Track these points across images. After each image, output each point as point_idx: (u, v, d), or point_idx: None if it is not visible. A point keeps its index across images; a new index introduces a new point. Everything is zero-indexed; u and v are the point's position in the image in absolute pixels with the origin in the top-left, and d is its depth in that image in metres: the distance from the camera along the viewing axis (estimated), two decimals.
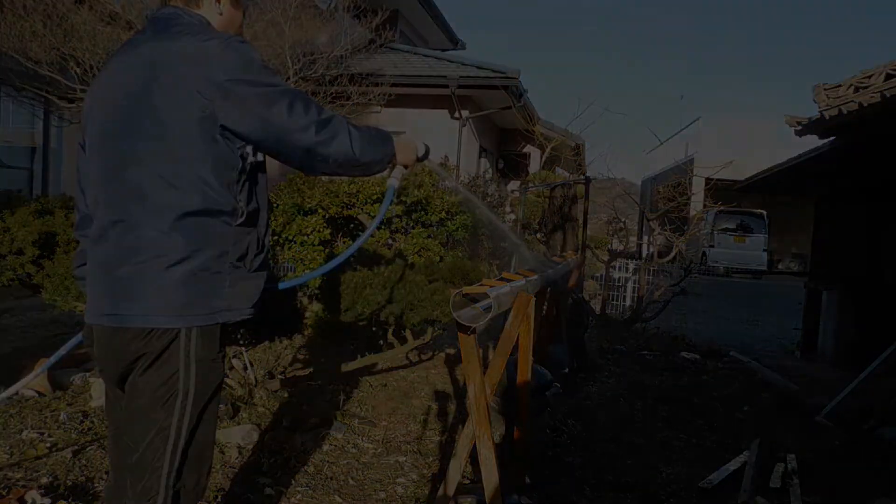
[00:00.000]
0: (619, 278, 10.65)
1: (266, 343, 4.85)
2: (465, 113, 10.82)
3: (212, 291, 1.59)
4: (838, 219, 8.19)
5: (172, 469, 1.59)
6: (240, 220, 1.63)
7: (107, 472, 2.87)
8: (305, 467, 3.17)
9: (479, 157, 12.51)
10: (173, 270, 1.54)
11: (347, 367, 4.22)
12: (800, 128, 5.71)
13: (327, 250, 5.07)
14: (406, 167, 1.91)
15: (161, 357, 1.56)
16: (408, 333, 4.18)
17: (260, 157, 1.71)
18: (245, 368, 4.14)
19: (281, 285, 1.89)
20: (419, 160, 1.98)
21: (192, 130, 1.55)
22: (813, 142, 6.30)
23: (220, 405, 3.52)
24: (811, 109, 5.46)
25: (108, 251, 1.60)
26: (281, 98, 1.59)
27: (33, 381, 3.78)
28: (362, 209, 5.22)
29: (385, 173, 1.92)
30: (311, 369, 4.39)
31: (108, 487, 1.84)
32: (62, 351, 1.99)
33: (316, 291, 4.66)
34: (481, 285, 2.42)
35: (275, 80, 1.63)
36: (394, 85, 9.65)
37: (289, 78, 7.54)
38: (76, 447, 3.08)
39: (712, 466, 3.71)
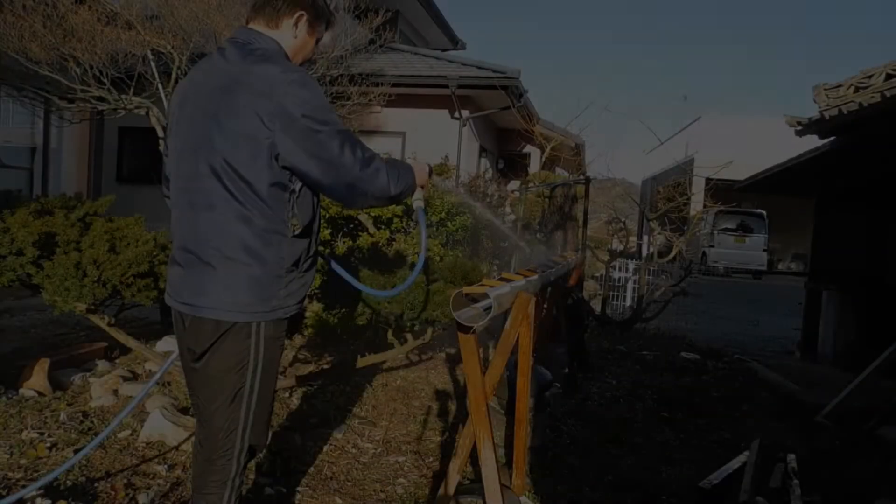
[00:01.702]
0: (619, 278, 10.65)
1: None
2: (465, 113, 10.82)
3: (270, 294, 1.83)
4: (838, 219, 8.19)
5: (247, 428, 1.89)
6: (294, 234, 1.83)
7: (107, 473, 2.87)
8: (305, 467, 3.17)
9: (479, 157, 12.50)
10: (239, 275, 1.79)
11: (348, 366, 4.22)
12: (800, 128, 5.71)
13: (327, 250, 5.07)
14: (422, 188, 2.05)
15: (236, 338, 1.82)
16: (408, 333, 4.18)
17: None
18: None
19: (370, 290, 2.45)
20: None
21: (255, 154, 1.74)
22: (813, 142, 6.30)
23: None
24: (811, 109, 5.46)
25: (184, 247, 1.85)
26: (333, 138, 1.75)
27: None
28: (362, 209, 5.22)
29: None
30: (311, 369, 4.39)
31: (195, 444, 2.07)
32: None
33: (316, 291, 4.66)
34: (481, 285, 2.42)
35: (331, 118, 1.78)
36: (394, 85, 9.64)
37: None
38: (76, 447, 3.08)
39: (712, 466, 3.71)
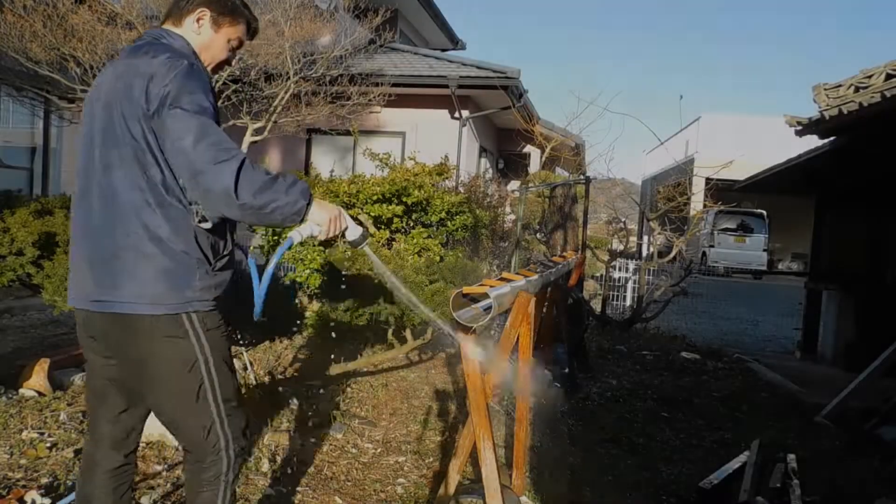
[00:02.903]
0: (619, 278, 10.65)
1: (266, 343, 4.85)
2: (465, 113, 10.82)
3: (184, 284, 1.76)
4: (838, 219, 8.18)
5: (223, 420, 1.85)
6: (199, 222, 1.76)
7: None
8: (305, 467, 3.17)
9: (479, 157, 12.50)
10: (148, 266, 1.72)
11: (347, 367, 4.22)
12: (800, 128, 5.71)
13: (327, 250, 5.07)
14: (319, 226, 1.85)
15: (170, 338, 1.76)
16: (408, 333, 4.18)
17: None
18: (245, 368, 4.14)
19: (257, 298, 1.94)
20: (351, 243, 1.97)
21: (147, 140, 1.71)
22: (813, 142, 6.30)
23: None
24: (811, 109, 5.46)
25: (91, 243, 1.79)
26: (189, 120, 1.67)
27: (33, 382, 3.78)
28: (362, 209, 5.22)
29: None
30: (311, 369, 4.40)
31: (85, 457, 2.00)
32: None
33: (316, 291, 4.66)
34: (481, 285, 2.42)
35: (198, 106, 1.69)
36: (394, 85, 9.64)
37: (289, 78, 7.54)
38: (76, 447, 3.08)
39: (712, 466, 3.71)
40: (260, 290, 1.91)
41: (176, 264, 1.74)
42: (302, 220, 1.79)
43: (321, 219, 1.83)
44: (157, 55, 1.76)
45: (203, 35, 1.91)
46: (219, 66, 2.03)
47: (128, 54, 1.85)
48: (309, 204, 1.77)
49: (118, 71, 1.80)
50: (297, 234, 1.86)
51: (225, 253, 1.88)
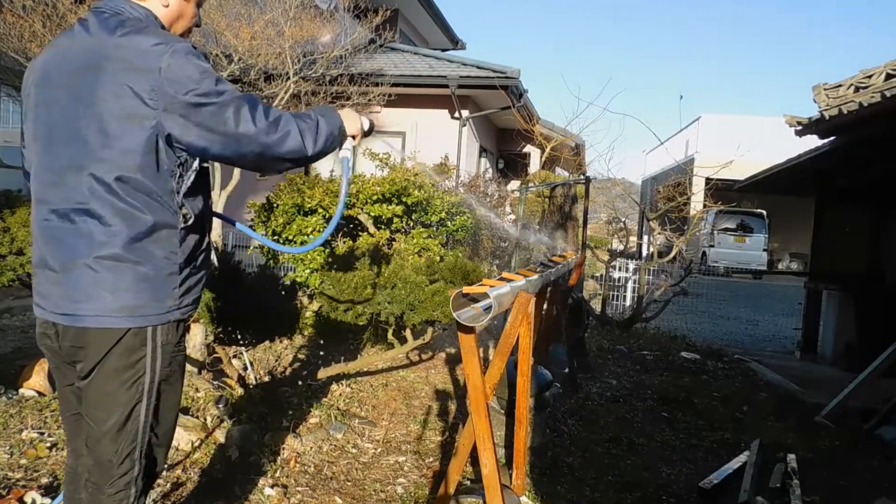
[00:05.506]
0: (619, 278, 10.65)
1: (266, 343, 4.85)
2: (465, 113, 10.81)
3: (164, 293, 1.66)
4: (838, 219, 8.19)
5: (142, 449, 1.70)
6: (186, 224, 1.68)
7: None
8: (305, 467, 3.17)
9: (480, 156, 12.50)
10: (125, 275, 1.60)
11: (347, 366, 4.22)
12: (800, 128, 5.71)
13: (327, 250, 5.07)
14: (354, 137, 1.91)
15: (129, 348, 1.64)
16: (408, 333, 4.17)
17: (207, 162, 1.74)
18: (245, 368, 4.14)
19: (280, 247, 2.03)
20: (365, 135, 2.00)
21: (135, 139, 1.57)
22: (813, 142, 6.30)
23: (220, 405, 3.53)
24: (811, 109, 5.46)
25: (60, 251, 1.63)
26: (227, 108, 1.57)
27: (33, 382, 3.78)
28: (362, 209, 5.22)
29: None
30: (311, 369, 4.39)
31: (68, 470, 1.91)
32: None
33: (316, 291, 4.66)
34: (481, 285, 2.42)
35: (220, 87, 1.59)
36: (394, 85, 9.64)
37: (289, 78, 7.54)
38: None
39: (712, 466, 3.71)
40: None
41: (157, 272, 1.64)
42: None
43: (355, 129, 1.89)
44: (140, 38, 1.59)
45: (172, 6, 1.76)
46: (191, 28, 1.89)
47: (94, 35, 1.63)
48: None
49: (88, 59, 1.59)
50: (348, 153, 1.94)
51: (204, 247, 1.79)
